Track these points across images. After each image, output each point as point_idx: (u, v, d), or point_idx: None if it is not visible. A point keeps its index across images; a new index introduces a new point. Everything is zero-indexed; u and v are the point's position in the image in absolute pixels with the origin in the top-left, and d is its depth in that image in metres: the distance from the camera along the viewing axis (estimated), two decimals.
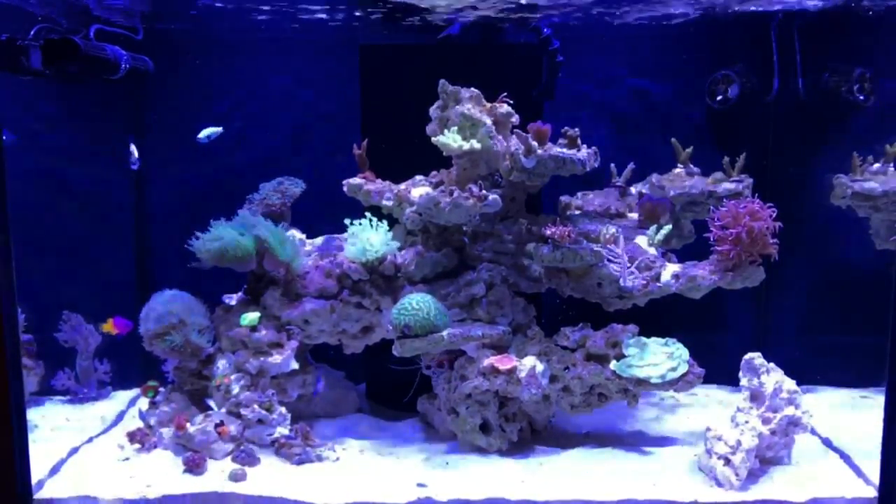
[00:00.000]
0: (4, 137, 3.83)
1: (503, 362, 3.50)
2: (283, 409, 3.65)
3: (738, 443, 3.26)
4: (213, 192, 4.35)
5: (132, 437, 3.61)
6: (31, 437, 2.98)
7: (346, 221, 3.81)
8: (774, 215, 3.44)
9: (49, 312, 4.31)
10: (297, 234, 4.05)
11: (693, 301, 3.64)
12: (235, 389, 3.61)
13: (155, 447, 3.59)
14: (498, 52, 4.31)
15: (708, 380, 3.57)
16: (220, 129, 4.01)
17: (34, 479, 3.10)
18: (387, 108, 4.06)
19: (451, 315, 3.64)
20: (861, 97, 4.22)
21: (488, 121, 3.68)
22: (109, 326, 3.83)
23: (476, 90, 3.74)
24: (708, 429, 3.41)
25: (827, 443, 3.71)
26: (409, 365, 3.84)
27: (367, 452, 3.65)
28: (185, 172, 4.46)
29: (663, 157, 4.18)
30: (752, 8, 4.07)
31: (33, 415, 4.06)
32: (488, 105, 3.77)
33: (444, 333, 3.50)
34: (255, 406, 3.59)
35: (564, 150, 3.66)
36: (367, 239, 3.75)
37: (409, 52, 4.18)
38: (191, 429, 3.47)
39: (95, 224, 4.48)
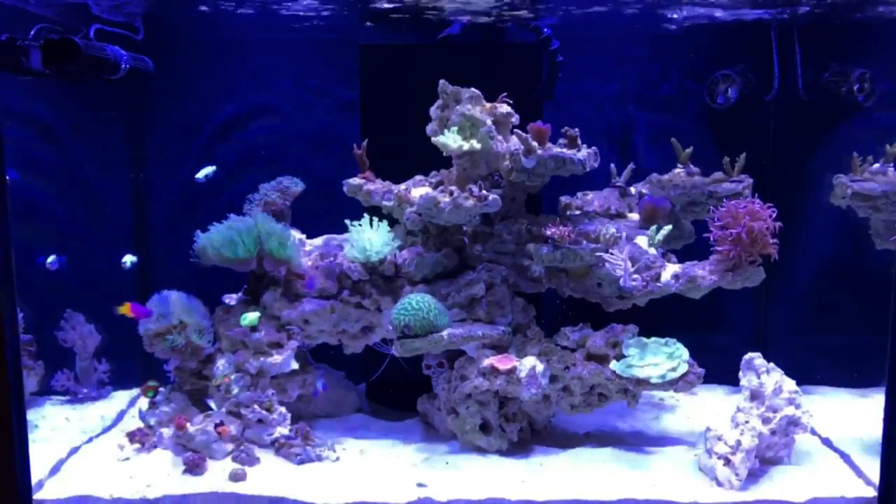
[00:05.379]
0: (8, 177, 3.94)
1: (503, 362, 3.50)
2: (283, 409, 3.65)
3: (738, 443, 3.26)
4: (213, 192, 4.35)
5: (132, 437, 3.61)
6: (31, 437, 2.97)
7: (347, 221, 3.81)
8: (774, 215, 3.44)
9: (49, 312, 4.31)
10: (296, 234, 4.06)
11: (693, 301, 3.64)
12: (235, 389, 3.61)
13: (155, 447, 3.58)
14: (498, 52, 4.30)
15: (708, 380, 3.58)
16: (213, 168, 4.21)
17: (34, 479, 3.10)
18: (387, 108, 4.06)
19: (451, 315, 3.64)
20: (861, 97, 4.22)
21: (488, 121, 3.69)
22: (126, 309, 3.78)
23: (476, 90, 3.75)
24: (708, 429, 3.41)
25: (827, 443, 3.71)
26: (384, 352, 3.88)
27: (367, 452, 3.64)
28: (185, 172, 4.45)
29: (663, 157, 4.18)
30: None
31: (33, 415, 4.06)
32: (488, 105, 3.77)
33: (444, 333, 3.51)
34: (255, 406, 3.59)
35: (564, 150, 3.66)
36: (368, 239, 3.75)
37: (409, 52, 4.18)
38: (191, 429, 3.47)
39: (95, 224, 4.48)
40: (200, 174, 4.19)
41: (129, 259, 4.30)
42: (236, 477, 3.31)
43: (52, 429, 3.94)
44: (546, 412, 3.70)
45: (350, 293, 3.80)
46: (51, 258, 4.09)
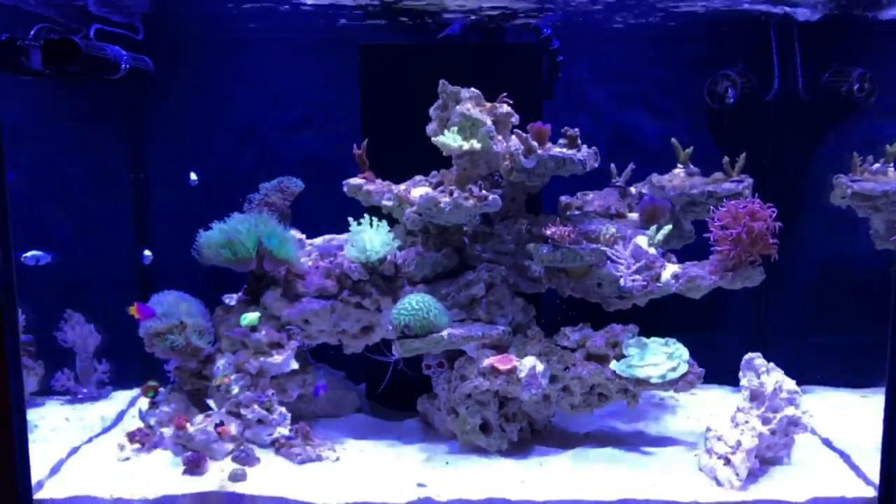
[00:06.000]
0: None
1: (503, 362, 3.50)
2: (283, 409, 3.65)
3: (738, 443, 3.26)
4: (213, 192, 4.35)
5: (132, 437, 3.60)
6: (31, 437, 2.98)
7: (350, 219, 3.81)
8: (774, 215, 3.44)
9: (49, 312, 4.31)
10: (296, 234, 4.06)
11: (693, 301, 3.64)
12: (235, 389, 3.61)
13: (155, 447, 3.58)
14: (498, 52, 4.31)
15: (708, 380, 3.58)
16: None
17: (34, 479, 3.10)
18: (387, 108, 4.06)
19: (451, 315, 3.64)
20: (861, 97, 4.22)
21: (488, 121, 3.69)
22: (133, 310, 3.79)
23: (476, 90, 3.75)
24: (708, 429, 3.41)
25: (827, 443, 3.71)
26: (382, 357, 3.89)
27: (367, 452, 3.65)
28: (185, 172, 4.46)
29: (663, 157, 4.18)
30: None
31: (33, 415, 4.06)
32: (488, 105, 3.77)
33: (444, 333, 3.51)
34: (255, 406, 3.59)
35: (564, 150, 3.66)
36: (368, 239, 3.75)
37: (409, 52, 4.18)
38: (191, 429, 3.47)
39: (95, 224, 4.48)
40: (193, 176, 4.22)
41: (147, 253, 4.36)
42: (236, 477, 3.31)
43: (52, 429, 3.94)
44: (546, 412, 3.70)
45: (350, 293, 3.80)
46: (29, 253, 4.06)
